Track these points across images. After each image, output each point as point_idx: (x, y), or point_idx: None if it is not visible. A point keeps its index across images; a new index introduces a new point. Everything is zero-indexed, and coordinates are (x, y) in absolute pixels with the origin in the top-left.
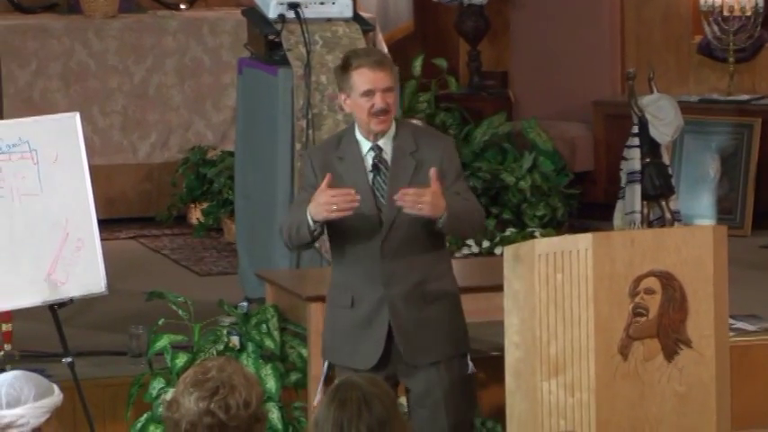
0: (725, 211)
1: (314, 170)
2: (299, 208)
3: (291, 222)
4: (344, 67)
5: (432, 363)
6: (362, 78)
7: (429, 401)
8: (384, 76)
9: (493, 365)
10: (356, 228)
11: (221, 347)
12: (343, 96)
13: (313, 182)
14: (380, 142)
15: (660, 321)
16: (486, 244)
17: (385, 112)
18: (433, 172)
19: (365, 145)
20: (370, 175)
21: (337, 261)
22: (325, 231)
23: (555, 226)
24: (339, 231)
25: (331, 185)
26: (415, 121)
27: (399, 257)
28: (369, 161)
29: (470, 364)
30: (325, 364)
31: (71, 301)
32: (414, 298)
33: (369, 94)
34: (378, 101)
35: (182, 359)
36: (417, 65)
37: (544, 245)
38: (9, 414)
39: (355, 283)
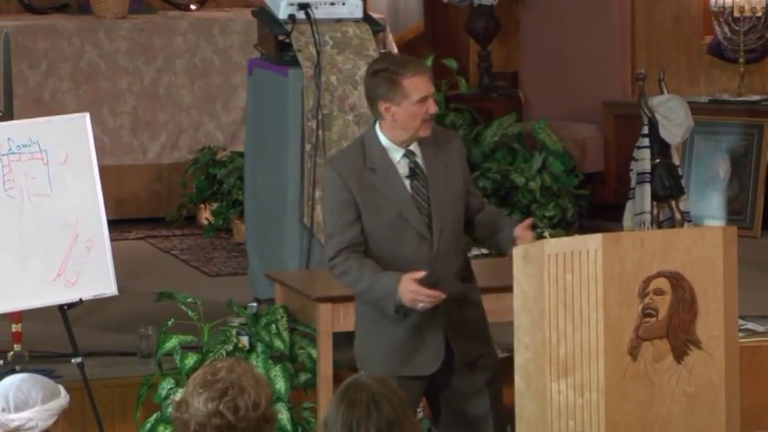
0: (735, 212)
1: (349, 188)
2: (368, 278)
3: (369, 284)
4: (391, 76)
5: (478, 357)
6: (418, 86)
7: (487, 392)
8: (431, 80)
9: (502, 366)
10: (405, 236)
11: (231, 348)
12: (385, 105)
13: (348, 198)
14: (412, 147)
15: (670, 322)
16: None
17: (433, 116)
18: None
19: (397, 152)
20: (407, 182)
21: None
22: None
23: (565, 226)
24: (385, 241)
25: (415, 280)
26: None
27: (446, 261)
28: (403, 168)
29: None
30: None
31: (81, 301)
32: (460, 299)
33: (424, 100)
34: (431, 106)
35: (191, 360)
36: (427, 65)
37: (554, 245)
38: (17, 417)
39: None
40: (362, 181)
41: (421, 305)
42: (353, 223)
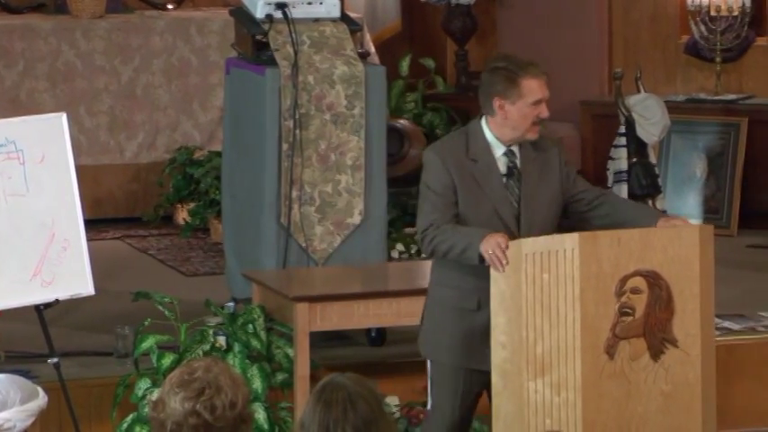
0: (711, 211)
1: (449, 171)
2: (460, 231)
3: (455, 239)
4: (511, 75)
5: None
6: (535, 88)
7: None
8: (547, 85)
9: None
10: (494, 230)
11: (208, 348)
12: (500, 102)
13: (448, 183)
14: (513, 147)
15: (646, 321)
16: None
17: (543, 121)
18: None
19: (499, 149)
20: (504, 179)
21: (462, 265)
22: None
23: None
24: None
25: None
26: (403, 122)
27: None
28: (502, 165)
29: None
30: (429, 363)
31: (57, 301)
32: None
33: (538, 103)
34: (544, 110)
35: (168, 359)
36: (405, 65)
37: (530, 245)
38: None
39: (485, 287)
40: (463, 169)
41: (490, 255)
42: (452, 206)
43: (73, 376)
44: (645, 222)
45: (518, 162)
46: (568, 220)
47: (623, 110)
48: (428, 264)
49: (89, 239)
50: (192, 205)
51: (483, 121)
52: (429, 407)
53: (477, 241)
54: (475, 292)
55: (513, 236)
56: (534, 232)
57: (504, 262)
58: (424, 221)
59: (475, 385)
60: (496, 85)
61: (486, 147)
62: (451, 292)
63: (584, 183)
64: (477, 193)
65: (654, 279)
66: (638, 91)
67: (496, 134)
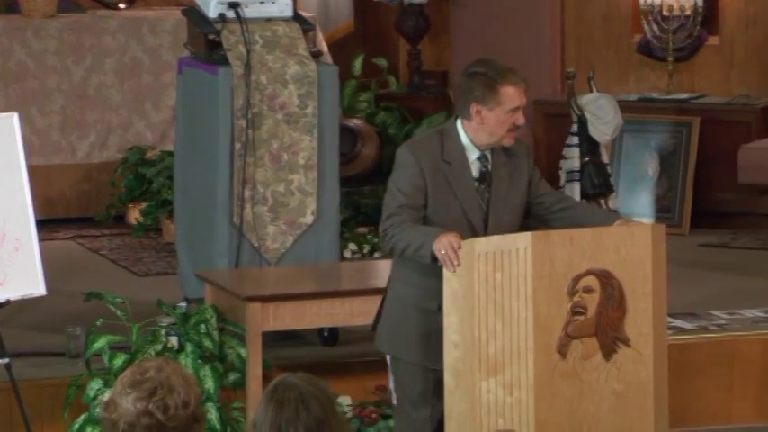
0: (663, 210)
1: (422, 172)
2: (417, 230)
3: (412, 236)
4: (490, 82)
5: None
6: (513, 96)
7: None
8: (524, 93)
9: None
10: (462, 233)
11: (160, 348)
12: (477, 108)
13: (419, 184)
14: (487, 152)
15: (599, 320)
16: None
17: (520, 128)
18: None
19: (473, 152)
20: (475, 183)
21: (423, 264)
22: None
23: None
24: None
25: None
26: (355, 121)
27: None
28: (475, 169)
29: None
30: (389, 358)
31: (8, 302)
32: None
33: (515, 110)
34: (520, 118)
35: (120, 360)
36: (357, 64)
37: (483, 244)
38: None
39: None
40: (436, 170)
41: (443, 254)
42: (418, 208)
43: (24, 377)
44: (603, 225)
45: (490, 167)
46: (527, 220)
47: (576, 109)
48: (381, 264)
49: (41, 240)
50: (144, 205)
51: (459, 124)
52: (395, 401)
53: (430, 240)
54: (436, 292)
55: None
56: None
57: (455, 262)
58: (386, 220)
59: (435, 383)
60: (474, 91)
61: (461, 149)
62: (412, 290)
63: (547, 186)
64: (448, 195)
65: (606, 278)
66: (591, 90)
67: (472, 138)
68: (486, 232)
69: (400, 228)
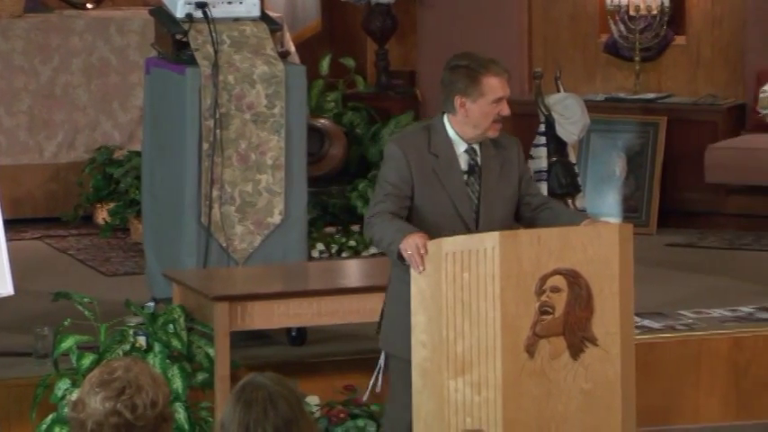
0: (631, 210)
1: (409, 165)
2: (393, 225)
3: (384, 232)
4: (472, 73)
5: None
6: (496, 87)
7: None
8: (508, 83)
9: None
10: (453, 227)
11: (128, 348)
12: (461, 100)
13: (406, 177)
14: (475, 145)
15: (566, 319)
16: None
17: (504, 119)
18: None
19: (461, 145)
20: (464, 176)
21: None
22: None
23: None
24: (432, 227)
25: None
26: (323, 121)
27: None
28: (463, 162)
29: None
30: (383, 354)
31: None
32: None
33: (499, 101)
34: (504, 108)
35: (88, 360)
36: (325, 64)
37: (451, 244)
38: None
39: None
40: (424, 164)
41: (409, 255)
42: (404, 199)
43: None
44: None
45: (479, 159)
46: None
47: (543, 109)
48: (349, 263)
49: (8, 240)
50: (111, 205)
51: (445, 118)
52: (388, 399)
53: (399, 239)
54: None
55: (470, 232)
56: (494, 228)
57: (420, 267)
58: (372, 208)
59: None
60: (457, 83)
61: (449, 143)
62: (408, 288)
63: (535, 187)
64: (437, 188)
65: (573, 278)
66: (558, 90)
67: (458, 131)
68: (477, 226)
69: (381, 218)
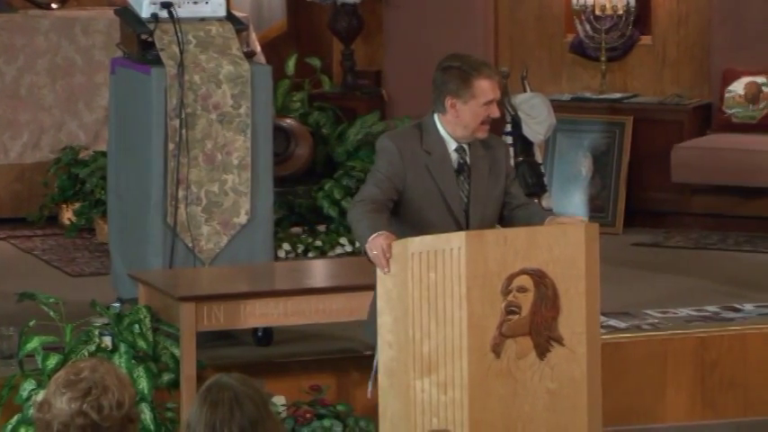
0: (597, 210)
1: (402, 160)
2: (367, 220)
3: (358, 226)
4: (464, 75)
5: None
6: (487, 89)
7: None
8: (498, 87)
9: (366, 364)
10: (444, 224)
11: (93, 348)
12: (452, 101)
13: (399, 172)
14: (464, 144)
15: (533, 319)
16: None
17: (494, 121)
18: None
19: (451, 144)
20: (455, 175)
21: None
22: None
23: None
24: (424, 224)
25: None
26: (289, 121)
27: None
28: (453, 161)
29: None
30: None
31: None
32: None
33: (489, 103)
34: (494, 110)
35: (53, 360)
36: (291, 64)
37: (417, 244)
38: None
39: None
40: (417, 160)
41: (374, 255)
42: (392, 191)
43: None
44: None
45: (468, 159)
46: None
47: (509, 109)
48: (315, 263)
49: None
50: (77, 205)
51: (435, 118)
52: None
53: (367, 238)
54: None
55: (461, 230)
56: (484, 227)
57: (386, 268)
58: (359, 193)
59: None
60: (449, 84)
61: (441, 141)
62: None
63: (517, 188)
64: (430, 185)
65: (540, 277)
66: (524, 90)
67: (448, 131)
68: (468, 224)
69: (362, 208)
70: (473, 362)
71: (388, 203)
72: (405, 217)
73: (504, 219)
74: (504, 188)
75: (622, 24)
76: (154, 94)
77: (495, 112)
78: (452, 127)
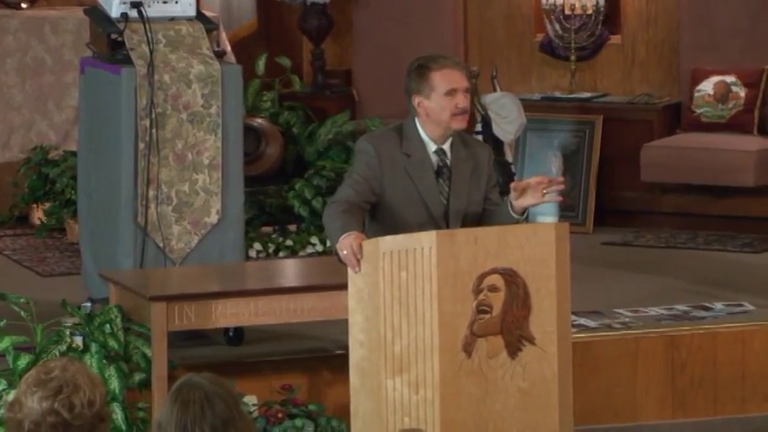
0: (567, 209)
1: (380, 162)
2: (339, 221)
3: (331, 226)
4: (422, 70)
5: None
6: (446, 78)
7: None
8: (463, 76)
9: (337, 364)
10: (423, 226)
11: (64, 348)
12: (417, 99)
13: (376, 174)
14: (444, 146)
15: (504, 318)
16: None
17: (466, 111)
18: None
19: (431, 146)
20: (434, 177)
21: None
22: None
23: None
24: (403, 226)
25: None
26: (259, 121)
27: None
28: (433, 162)
29: None
30: None
31: None
32: None
33: (452, 93)
34: (461, 100)
35: (24, 360)
36: (261, 63)
37: (388, 243)
38: None
39: None
40: (395, 163)
41: (344, 255)
42: (368, 193)
43: None
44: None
45: (448, 161)
46: None
47: (479, 108)
48: (286, 263)
49: None
50: (47, 205)
51: (415, 121)
52: None
53: (337, 238)
54: None
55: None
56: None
57: (356, 268)
58: (335, 194)
59: None
60: (411, 83)
61: (420, 143)
62: None
63: (497, 195)
64: (408, 188)
65: (511, 277)
66: (494, 89)
67: (427, 132)
68: (447, 226)
69: (336, 208)
70: (444, 361)
71: (363, 205)
72: (383, 220)
73: (481, 223)
74: (485, 193)
75: (592, 24)
76: (124, 94)
77: (461, 102)
78: (429, 127)
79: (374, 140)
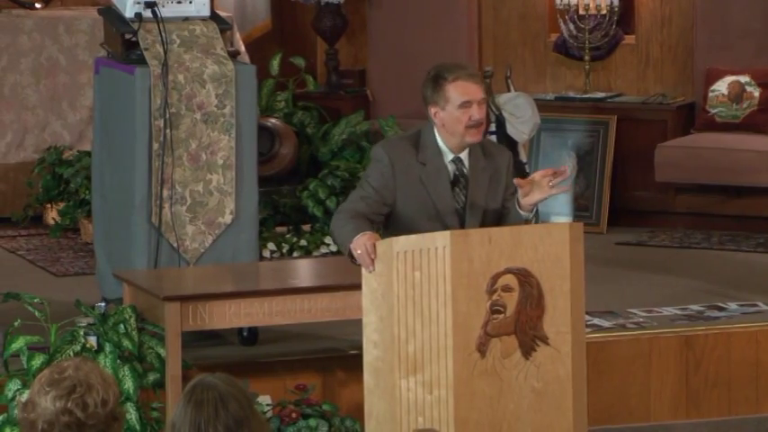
0: (581, 209)
1: (394, 172)
2: (349, 226)
3: (341, 231)
4: (437, 81)
5: None
6: (460, 90)
7: None
8: (478, 87)
9: (351, 364)
10: None
11: (78, 348)
12: (433, 110)
13: (389, 184)
14: (461, 155)
15: (517, 318)
16: None
17: (480, 123)
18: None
19: (448, 155)
20: (450, 187)
21: None
22: None
23: None
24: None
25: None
26: (273, 121)
27: None
28: (450, 171)
29: None
30: None
31: None
32: None
33: (466, 105)
34: (475, 112)
35: (38, 360)
36: (275, 64)
37: (402, 243)
38: None
39: None
40: (410, 172)
41: (359, 254)
42: (379, 204)
43: None
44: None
45: (465, 170)
46: None
47: (493, 108)
48: (300, 263)
49: None
50: (61, 205)
51: (434, 129)
52: None
53: (351, 239)
54: None
55: None
56: None
57: (370, 267)
58: (344, 204)
59: None
60: (427, 93)
61: (437, 152)
62: None
63: (513, 202)
64: (423, 197)
65: (524, 277)
66: (508, 89)
67: (444, 141)
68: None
69: (344, 216)
70: (458, 361)
71: (372, 217)
72: (398, 229)
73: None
74: (503, 201)
75: (606, 24)
76: (138, 94)
77: (475, 114)
78: (445, 136)
79: (390, 149)
